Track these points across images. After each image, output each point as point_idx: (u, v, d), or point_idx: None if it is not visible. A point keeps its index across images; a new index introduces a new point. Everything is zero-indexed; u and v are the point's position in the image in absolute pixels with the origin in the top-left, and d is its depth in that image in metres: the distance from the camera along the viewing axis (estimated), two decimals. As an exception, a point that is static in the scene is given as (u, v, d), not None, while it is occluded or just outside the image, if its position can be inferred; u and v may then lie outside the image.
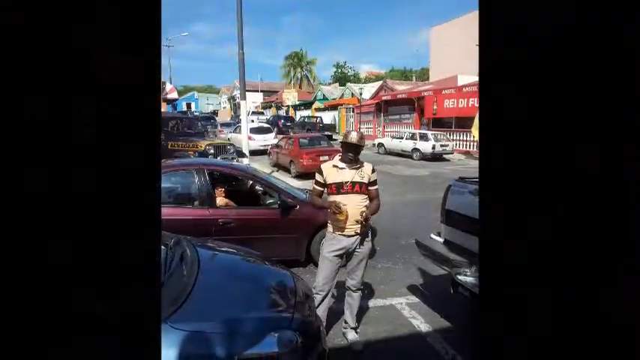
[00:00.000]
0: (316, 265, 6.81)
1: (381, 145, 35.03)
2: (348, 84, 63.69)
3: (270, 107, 78.87)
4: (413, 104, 40.39)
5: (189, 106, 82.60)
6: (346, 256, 5.79)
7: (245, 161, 20.61)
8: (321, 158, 19.33)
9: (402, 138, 32.66)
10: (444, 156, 30.45)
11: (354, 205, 5.52)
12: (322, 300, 5.69)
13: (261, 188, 9.93)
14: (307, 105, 66.40)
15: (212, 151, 20.79)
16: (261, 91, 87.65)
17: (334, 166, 5.70)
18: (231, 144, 23.88)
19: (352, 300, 6.01)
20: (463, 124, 32.04)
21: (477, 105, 20.39)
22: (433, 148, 29.51)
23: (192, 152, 20.54)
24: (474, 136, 27.33)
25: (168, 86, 44.07)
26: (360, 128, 45.66)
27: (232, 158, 20.50)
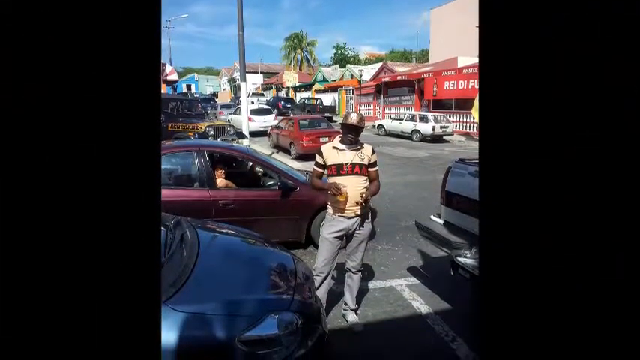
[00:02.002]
0: (316, 246, 6.81)
1: (380, 126, 34.97)
2: (348, 65, 63.42)
3: (270, 89, 78.78)
4: (413, 86, 40.32)
5: (189, 87, 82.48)
6: (346, 237, 5.80)
7: (245, 143, 20.58)
8: (321, 140, 19.32)
9: (402, 119, 32.62)
10: (444, 137, 30.42)
11: (353, 186, 5.51)
12: (322, 281, 5.71)
13: (261, 170, 9.91)
14: (307, 86, 66.30)
15: (212, 132, 20.77)
16: (261, 73, 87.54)
17: (334, 147, 5.70)
18: (231, 125, 23.86)
19: (352, 281, 6.03)
20: (463, 105, 31.99)
21: (477, 86, 20.39)
22: (433, 129, 29.47)
23: (192, 134, 20.52)
24: (474, 118, 27.31)
25: (168, 68, 43.94)
26: (360, 110, 45.56)
27: (232, 140, 20.46)
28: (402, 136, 31.79)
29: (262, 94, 70.27)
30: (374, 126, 35.86)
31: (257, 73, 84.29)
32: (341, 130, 5.81)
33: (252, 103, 41.55)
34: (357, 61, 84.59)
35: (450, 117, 33.14)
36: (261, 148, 22.33)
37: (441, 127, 29.93)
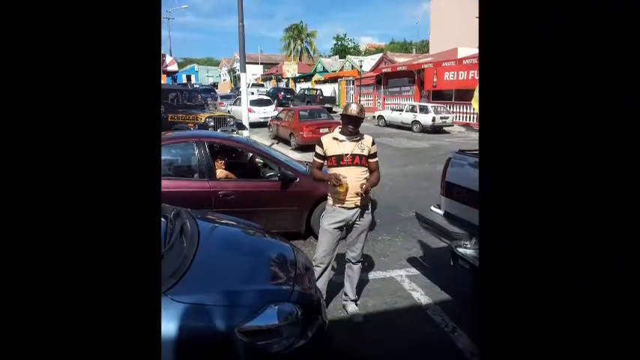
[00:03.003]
0: (316, 237, 6.81)
1: (381, 117, 34.95)
2: (348, 56, 63.33)
3: (270, 79, 78.75)
4: (413, 77, 40.29)
5: (189, 78, 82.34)
6: (346, 228, 5.80)
7: (245, 133, 20.59)
8: (321, 131, 19.28)
9: (402, 110, 32.59)
10: (444, 128, 30.40)
11: (354, 177, 5.51)
12: (322, 272, 5.71)
13: (261, 161, 9.90)
14: (307, 77, 66.21)
15: (212, 123, 20.77)
16: (261, 64, 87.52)
17: (334, 138, 5.69)
18: (231, 116, 23.86)
19: (352, 272, 6.03)
20: (463, 96, 31.99)
21: (477, 77, 20.41)
22: (433, 120, 29.44)
23: (192, 124, 20.53)
24: (474, 109, 27.29)
25: (168, 58, 44.03)
26: (360, 101, 45.49)
27: (232, 130, 20.46)
28: (402, 126, 31.76)
29: (262, 85, 70.28)
30: (374, 117, 35.83)
31: (257, 64, 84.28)
32: (341, 121, 5.81)
33: (252, 93, 41.53)
34: (356, 51, 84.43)
35: (449, 108, 33.11)
36: (261, 138, 22.29)
37: (441, 118, 29.90)
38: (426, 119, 29.79)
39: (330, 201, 5.74)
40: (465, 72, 32.14)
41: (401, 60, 48.70)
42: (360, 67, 51.99)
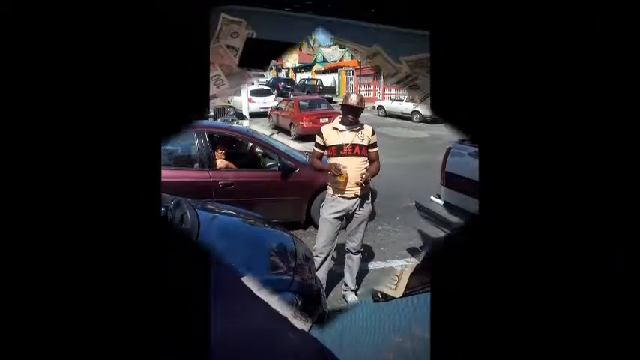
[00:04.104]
0: (316, 227, 6.81)
1: (381, 107, 34.88)
2: (348, 46, 63.11)
3: (270, 69, 78.48)
4: (413, 66, 40.17)
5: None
6: (346, 218, 5.79)
7: (245, 123, 20.56)
8: (321, 121, 19.23)
9: (402, 100, 32.47)
10: (445, 118, 30.33)
11: (354, 167, 5.50)
12: (322, 262, 5.71)
13: (261, 151, 9.88)
14: (307, 67, 66.02)
15: (212, 113, 20.73)
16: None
17: (334, 128, 5.68)
18: (231, 106, 23.79)
19: (352, 262, 6.03)
20: (463, 86, 31.94)
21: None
22: (433, 110, 29.37)
23: (191, 115, 20.47)
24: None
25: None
26: (360, 90, 45.31)
27: (232, 120, 20.44)
28: (402, 116, 31.67)
29: (262, 75, 69.94)
30: (374, 107, 35.75)
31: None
32: (341, 111, 5.81)
33: (252, 83, 41.36)
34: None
35: (450, 98, 33.03)
36: (261, 128, 22.30)
37: (442, 108, 29.83)
38: (426, 109, 29.69)
39: (330, 191, 5.74)
40: (466, 62, 32.09)
41: (401, 50, 48.58)
42: (361, 56, 51.84)
